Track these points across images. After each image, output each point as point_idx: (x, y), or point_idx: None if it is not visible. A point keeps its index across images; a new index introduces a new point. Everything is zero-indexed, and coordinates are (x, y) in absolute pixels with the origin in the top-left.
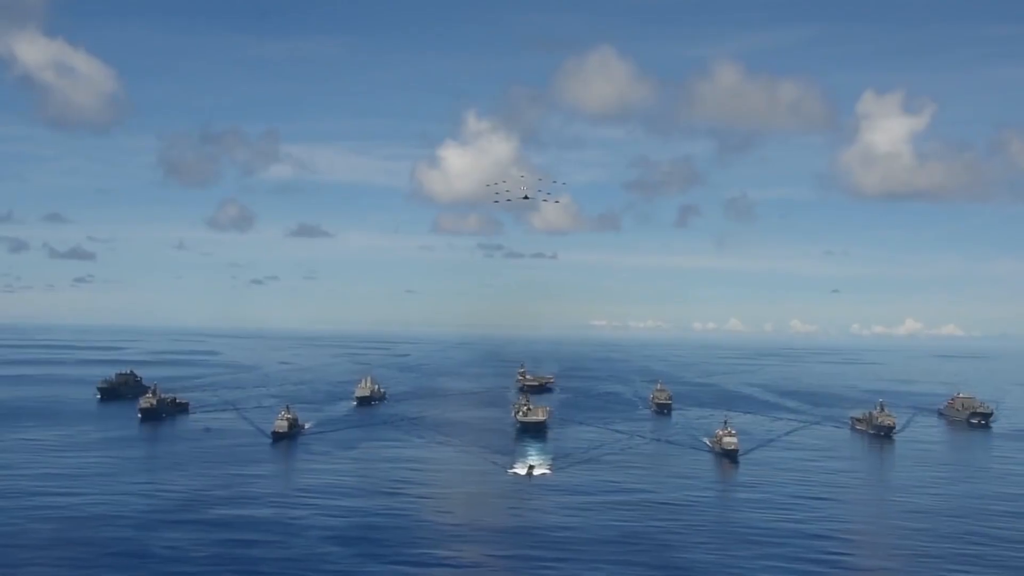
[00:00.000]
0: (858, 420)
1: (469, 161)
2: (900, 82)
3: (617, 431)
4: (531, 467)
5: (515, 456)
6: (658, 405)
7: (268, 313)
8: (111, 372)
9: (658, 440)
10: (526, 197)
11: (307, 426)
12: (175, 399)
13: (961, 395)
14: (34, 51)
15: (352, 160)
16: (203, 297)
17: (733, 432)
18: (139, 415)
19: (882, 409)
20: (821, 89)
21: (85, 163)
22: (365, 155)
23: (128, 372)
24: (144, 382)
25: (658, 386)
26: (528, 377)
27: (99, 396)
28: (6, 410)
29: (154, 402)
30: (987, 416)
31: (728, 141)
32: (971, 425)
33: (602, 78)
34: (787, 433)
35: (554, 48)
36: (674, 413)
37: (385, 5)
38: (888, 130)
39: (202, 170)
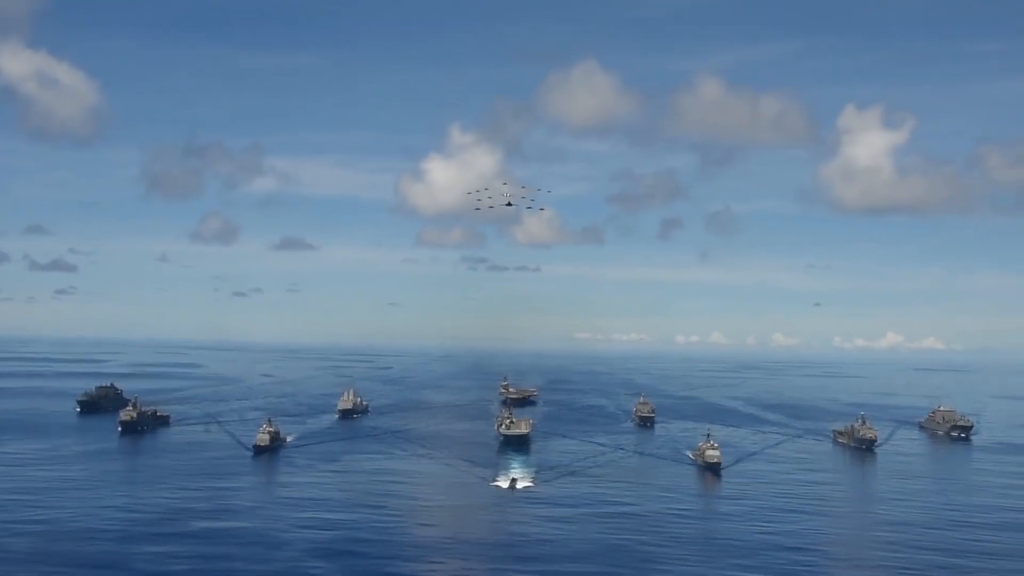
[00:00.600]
0: (840, 433)
1: (453, 174)
2: (881, 96)
3: (600, 444)
4: (514, 480)
5: (498, 469)
6: (641, 418)
7: (251, 326)
8: (92, 385)
9: (641, 453)
10: (509, 204)
11: (289, 439)
12: (156, 412)
13: (942, 408)
14: (17, 63)
15: (336, 173)
16: (186, 310)
17: (716, 445)
18: (119, 428)
19: (863, 422)
20: (803, 103)
21: (68, 175)
22: (349, 168)
23: (109, 385)
24: (125, 395)
25: (641, 399)
26: (511, 390)
27: (79, 409)
28: None
29: (134, 415)
30: (967, 429)
31: (711, 155)
32: (952, 438)
33: (586, 91)
34: (769, 446)
35: (538, 61)
36: (657, 426)
37: (369, 18)
38: (869, 144)
39: (186, 183)
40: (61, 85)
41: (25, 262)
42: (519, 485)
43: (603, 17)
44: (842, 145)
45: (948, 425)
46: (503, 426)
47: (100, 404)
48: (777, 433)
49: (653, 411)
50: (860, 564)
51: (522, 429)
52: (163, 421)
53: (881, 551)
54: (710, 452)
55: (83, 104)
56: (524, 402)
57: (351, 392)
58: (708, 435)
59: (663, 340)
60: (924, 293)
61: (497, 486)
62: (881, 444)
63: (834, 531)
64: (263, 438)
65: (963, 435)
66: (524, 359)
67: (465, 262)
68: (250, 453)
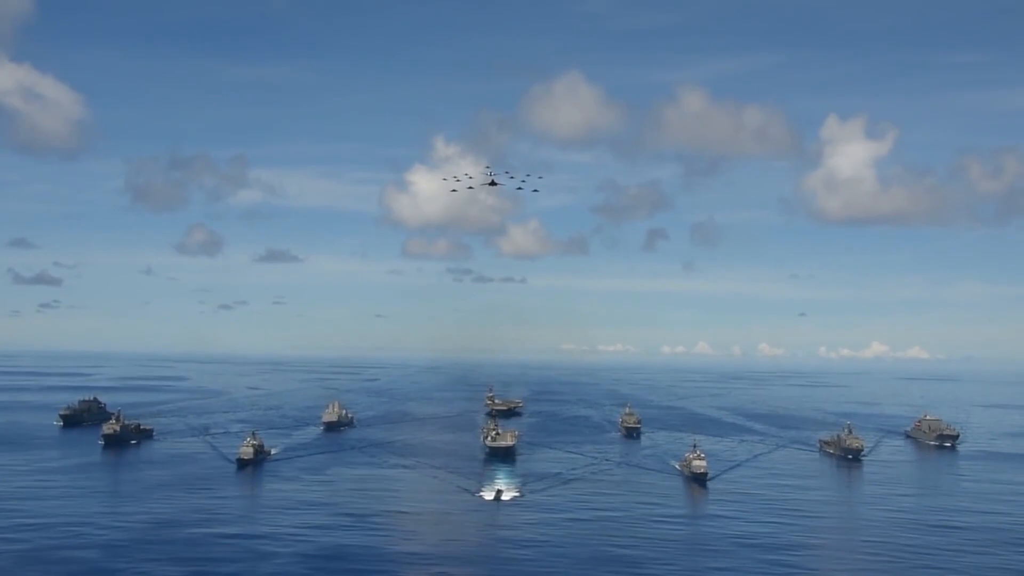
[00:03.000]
0: (826, 443)
1: (438, 186)
2: (863, 107)
3: (586, 455)
4: (499, 491)
5: (484, 480)
6: (627, 429)
7: (236, 338)
8: (75, 398)
9: (627, 464)
10: (492, 183)
11: (273, 452)
12: (139, 425)
13: (928, 417)
14: (1, 76)
15: (321, 185)
16: (171, 322)
17: (702, 455)
18: (101, 442)
19: (850, 432)
20: (786, 115)
21: (52, 188)
22: (334, 180)
23: (92, 398)
24: (108, 408)
25: (627, 410)
26: (497, 401)
27: (61, 423)
28: None
29: (117, 428)
30: (953, 438)
31: (695, 166)
32: (938, 447)
33: (570, 103)
34: (756, 456)
35: (523, 73)
36: (643, 436)
37: (354, 30)
38: (851, 155)
39: (170, 195)
40: (45, 98)
41: (9, 275)
42: (505, 496)
43: (587, 29)
44: (825, 156)
45: (934, 434)
46: (488, 437)
47: (83, 418)
48: (763, 443)
49: (639, 421)
50: (847, 571)
51: (507, 440)
52: (147, 434)
53: (868, 559)
54: (696, 462)
55: (67, 117)
56: (510, 413)
57: (336, 404)
58: (694, 445)
59: (649, 351)
60: (908, 303)
61: (482, 497)
62: (867, 453)
63: (821, 541)
64: (247, 451)
65: (949, 444)
66: (510, 370)
67: (450, 273)
68: (234, 466)
